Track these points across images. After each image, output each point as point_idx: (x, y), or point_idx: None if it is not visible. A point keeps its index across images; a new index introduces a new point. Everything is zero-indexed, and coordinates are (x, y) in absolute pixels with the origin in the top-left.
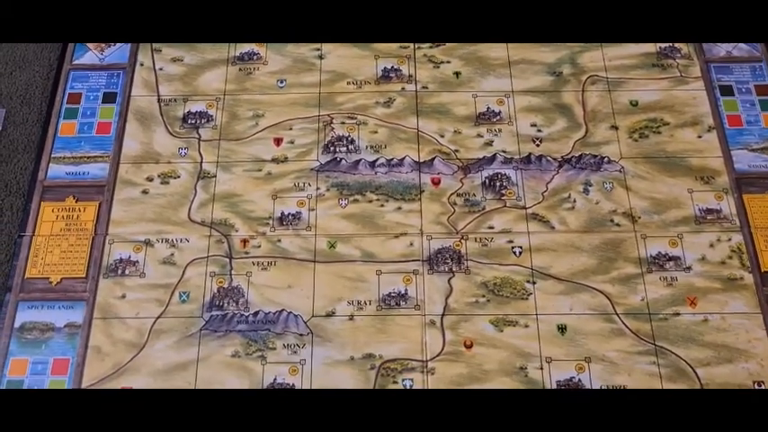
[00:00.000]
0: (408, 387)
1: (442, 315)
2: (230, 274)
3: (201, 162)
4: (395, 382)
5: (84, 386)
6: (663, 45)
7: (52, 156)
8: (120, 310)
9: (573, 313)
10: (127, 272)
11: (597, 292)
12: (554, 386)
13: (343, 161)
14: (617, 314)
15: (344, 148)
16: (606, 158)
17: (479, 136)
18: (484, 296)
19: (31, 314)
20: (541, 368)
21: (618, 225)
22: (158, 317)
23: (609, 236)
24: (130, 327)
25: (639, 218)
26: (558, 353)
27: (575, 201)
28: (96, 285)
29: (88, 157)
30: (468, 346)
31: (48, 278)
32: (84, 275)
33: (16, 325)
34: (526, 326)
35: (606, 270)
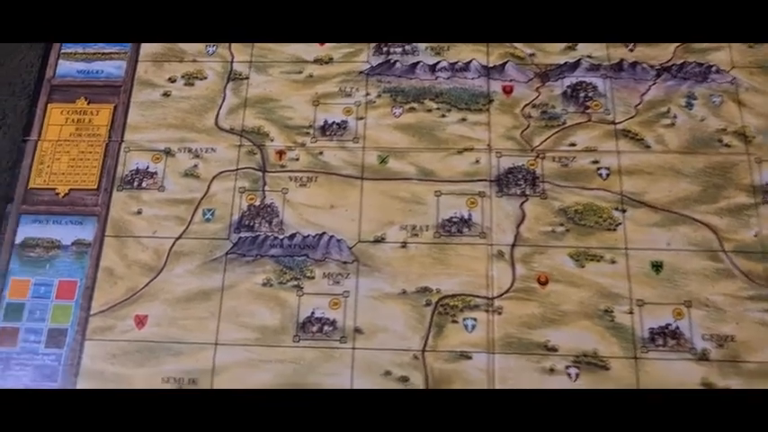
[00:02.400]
0: (470, 327)
1: (513, 245)
2: (263, 191)
3: (232, 62)
4: (454, 322)
5: (93, 312)
6: None
7: (62, 51)
8: (136, 227)
9: (670, 249)
10: (144, 184)
11: (701, 225)
12: (646, 334)
13: (398, 64)
14: (724, 251)
15: (399, 49)
16: (714, 67)
17: None
18: (562, 225)
19: (34, 229)
20: (631, 312)
21: (727, 146)
22: (179, 237)
23: (716, 158)
24: (147, 247)
25: (754, 138)
26: (652, 295)
27: (675, 116)
28: (109, 199)
29: (103, 54)
30: (543, 283)
31: (54, 189)
32: (95, 187)
33: (17, 241)
34: (613, 261)
35: (712, 199)
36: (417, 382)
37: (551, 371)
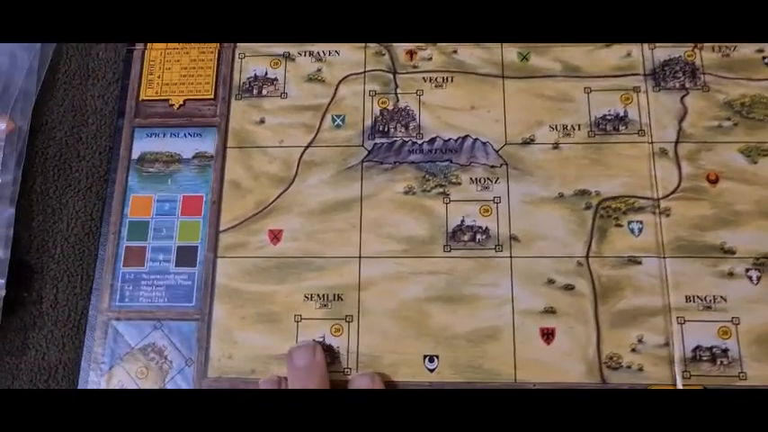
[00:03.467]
0: (637, 231)
1: (676, 142)
2: (395, 93)
3: None
4: (618, 225)
5: (223, 228)
6: None
7: None
8: (260, 137)
9: None
10: (264, 92)
11: None
12: None
13: None
14: None
15: None
16: None
17: None
18: (729, 119)
19: (150, 143)
20: None
21: None
22: (308, 145)
23: None
24: (274, 157)
25: None
26: None
27: None
28: (228, 108)
29: None
30: (713, 181)
31: (168, 100)
32: (212, 96)
33: (134, 156)
34: None
35: None
36: (583, 289)
37: (730, 275)
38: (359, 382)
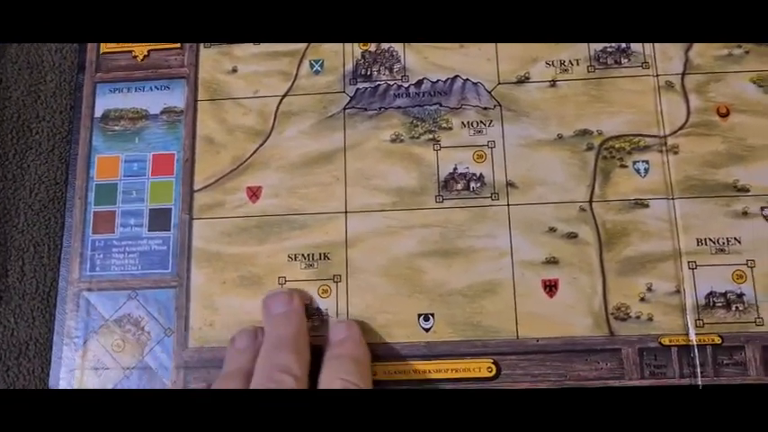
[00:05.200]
0: (643, 171)
1: (683, 74)
2: None
3: None
4: (623, 166)
5: (198, 188)
6: None
7: None
8: (233, 87)
9: None
10: (235, 43)
11: None
12: None
13: None
14: None
15: None
16: None
17: None
18: (739, 47)
19: (114, 99)
20: None
21: None
22: (285, 94)
23: None
24: (249, 109)
25: None
26: None
27: None
28: (197, 57)
29: None
30: (724, 115)
31: (131, 51)
32: (178, 45)
33: (97, 114)
34: None
35: None
36: (587, 237)
37: (744, 214)
38: (334, 330)
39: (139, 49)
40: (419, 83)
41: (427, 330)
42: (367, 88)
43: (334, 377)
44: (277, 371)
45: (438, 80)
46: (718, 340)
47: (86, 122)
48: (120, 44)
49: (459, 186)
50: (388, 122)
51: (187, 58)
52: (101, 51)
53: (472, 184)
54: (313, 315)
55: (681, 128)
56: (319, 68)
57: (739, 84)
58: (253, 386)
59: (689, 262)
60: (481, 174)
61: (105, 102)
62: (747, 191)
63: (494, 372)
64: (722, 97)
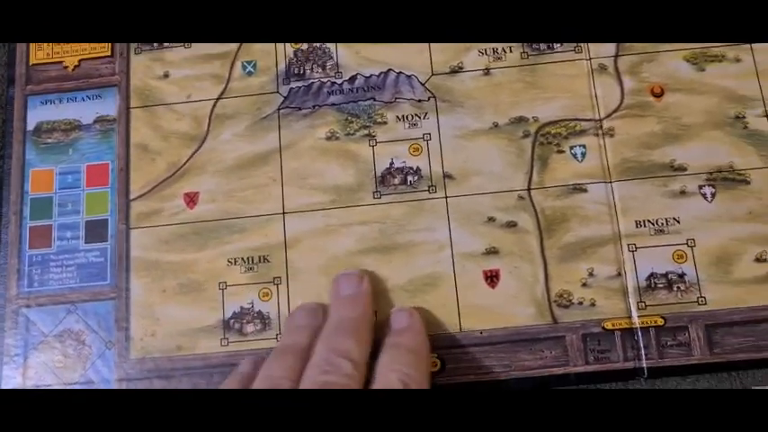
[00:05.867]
0: (580, 156)
1: (616, 56)
2: None
3: None
4: (560, 152)
5: (134, 196)
6: None
7: None
8: (166, 93)
9: None
10: (166, 42)
11: None
12: None
13: None
14: None
15: None
16: None
17: None
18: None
19: (46, 111)
20: (766, 115)
21: None
22: (219, 97)
23: None
24: (183, 114)
25: None
26: None
27: None
28: (128, 64)
29: None
30: (658, 95)
31: (61, 62)
32: (108, 53)
33: (30, 127)
34: (737, 60)
35: None
36: (526, 225)
37: (682, 193)
38: (396, 318)
39: (70, 60)
40: (352, 78)
41: None
42: (300, 87)
43: (390, 368)
44: (335, 355)
45: (371, 75)
46: (661, 322)
47: (19, 136)
48: (50, 55)
49: (397, 181)
50: (322, 120)
51: (118, 65)
52: (30, 63)
53: (409, 178)
54: (255, 319)
55: (616, 110)
56: (252, 69)
57: (672, 63)
58: (310, 367)
59: (629, 245)
60: (418, 167)
61: (37, 114)
62: (684, 170)
63: (438, 366)
64: (656, 77)
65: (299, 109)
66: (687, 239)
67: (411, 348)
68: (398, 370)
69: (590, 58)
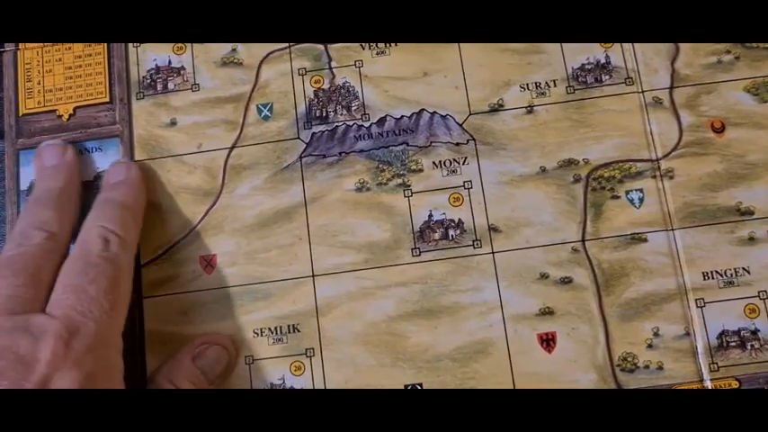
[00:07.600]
0: (638, 201)
1: (671, 87)
2: (330, 68)
3: None
4: (615, 197)
5: (145, 261)
6: None
7: None
8: (174, 143)
9: None
10: (171, 85)
11: None
12: None
13: None
14: None
15: None
16: None
17: None
18: (729, 51)
19: None
20: None
21: None
22: (233, 146)
23: None
24: (195, 166)
25: None
26: None
27: None
28: (129, 111)
29: None
30: (719, 130)
31: (54, 110)
32: (107, 99)
33: (23, 186)
34: None
35: None
36: (583, 280)
37: (751, 240)
38: (112, 172)
39: (64, 107)
40: (381, 121)
41: None
42: (324, 132)
43: (93, 224)
44: (31, 227)
45: (402, 116)
46: (735, 384)
47: (12, 197)
48: (42, 103)
49: (437, 236)
50: (351, 169)
51: (118, 113)
52: (20, 114)
53: (451, 232)
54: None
55: (674, 149)
56: (268, 113)
57: (732, 94)
58: (7, 241)
59: (696, 299)
60: (460, 219)
61: (31, 171)
62: (752, 213)
63: None
64: (715, 110)
65: (324, 156)
66: (759, 291)
67: (122, 203)
68: (101, 226)
69: (642, 91)
